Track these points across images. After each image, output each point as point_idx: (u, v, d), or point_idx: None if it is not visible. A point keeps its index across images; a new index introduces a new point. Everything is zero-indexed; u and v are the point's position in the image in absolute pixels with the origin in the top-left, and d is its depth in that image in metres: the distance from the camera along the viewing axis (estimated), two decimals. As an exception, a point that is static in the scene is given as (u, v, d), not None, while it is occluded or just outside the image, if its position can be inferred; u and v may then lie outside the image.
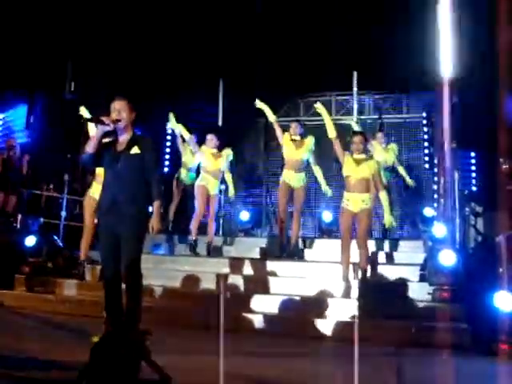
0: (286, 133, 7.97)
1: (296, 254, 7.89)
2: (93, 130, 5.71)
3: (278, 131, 7.95)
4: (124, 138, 4.62)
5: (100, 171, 7.47)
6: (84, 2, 9.42)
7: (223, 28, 9.86)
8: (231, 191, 8.53)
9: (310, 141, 7.88)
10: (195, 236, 8.03)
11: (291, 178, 7.80)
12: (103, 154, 4.58)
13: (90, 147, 4.51)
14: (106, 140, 4.61)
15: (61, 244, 8.61)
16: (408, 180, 9.07)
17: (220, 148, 8.27)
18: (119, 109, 4.56)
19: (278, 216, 7.98)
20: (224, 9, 9.67)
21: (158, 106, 10.76)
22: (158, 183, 4.61)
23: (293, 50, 10.22)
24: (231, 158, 8.38)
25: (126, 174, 4.52)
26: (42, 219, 9.05)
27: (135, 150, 4.55)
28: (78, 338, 4.54)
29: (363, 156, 6.73)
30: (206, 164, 8.18)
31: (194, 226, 8.01)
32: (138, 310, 4.51)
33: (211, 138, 8.24)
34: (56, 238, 8.65)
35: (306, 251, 8.17)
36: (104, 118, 4.47)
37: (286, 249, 7.85)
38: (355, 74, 10.83)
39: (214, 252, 8.26)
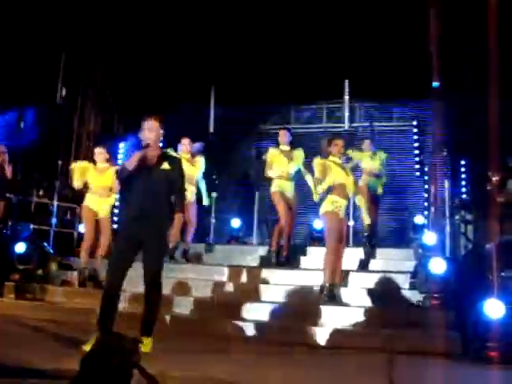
0: (271, 148, 8.00)
1: (289, 262, 7.90)
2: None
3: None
4: (153, 153, 4.94)
5: (92, 183, 7.51)
6: (76, 8, 9.42)
7: (215, 35, 9.89)
8: (205, 200, 8.49)
9: (300, 154, 7.91)
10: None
11: (284, 186, 7.82)
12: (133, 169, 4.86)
13: (130, 165, 4.79)
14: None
15: (51, 251, 8.56)
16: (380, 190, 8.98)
17: (214, 155, 8.24)
18: (151, 128, 4.91)
19: (283, 221, 7.79)
20: (217, 17, 9.70)
21: (150, 113, 10.77)
22: (182, 198, 5.05)
23: (284, 58, 10.25)
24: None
25: (156, 187, 4.85)
26: (32, 226, 8.99)
27: (165, 165, 4.92)
28: (68, 346, 4.52)
29: (341, 161, 6.75)
30: None
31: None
32: (154, 322, 4.84)
33: (186, 143, 8.07)
34: (46, 244, 8.60)
35: (298, 259, 8.18)
36: (137, 157, 4.79)
37: (280, 257, 7.87)
38: (346, 82, 10.89)
39: (205, 259, 8.28)
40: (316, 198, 7.10)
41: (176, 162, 5.07)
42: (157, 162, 4.93)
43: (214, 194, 8.79)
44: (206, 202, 8.54)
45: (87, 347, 4.36)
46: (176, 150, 7.92)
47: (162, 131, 5.01)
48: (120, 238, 5.03)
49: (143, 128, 4.94)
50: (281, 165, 7.86)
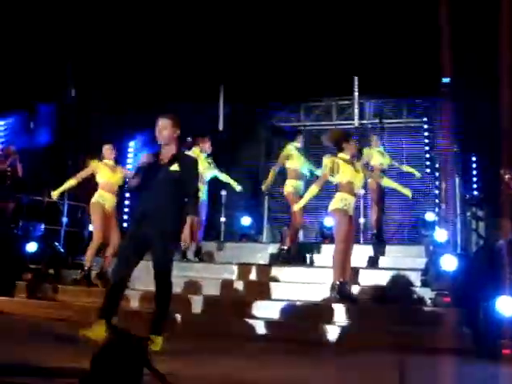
0: (290, 145, 8.04)
1: (299, 260, 7.93)
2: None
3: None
4: (167, 152, 4.92)
5: (102, 178, 7.52)
6: (84, 9, 9.45)
7: (224, 33, 9.88)
8: (236, 187, 8.64)
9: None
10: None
11: (297, 186, 7.90)
12: (144, 167, 4.91)
13: (134, 183, 4.91)
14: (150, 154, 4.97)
15: (62, 250, 8.60)
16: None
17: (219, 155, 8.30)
18: (162, 127, 4.90)
19: (297, 222, 7.90)
20: (225, 14, 9.69)
21: (159, 112, 10.78)
22: (194, 200, 4.94)
23: (293, 55, 10.23)
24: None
25: (164, 187, 4.81)
26: (43, 225, 9.04)
27: (175, 166, 4.85)
28: (79, 345, 4.53)
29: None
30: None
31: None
32: (164, 321, 4.84)
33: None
34: (57, 244, 8.64)
35: (308, 256, 8.18)
36: (149, 158, 4.88)
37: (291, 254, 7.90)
38: (356, 78, 10.85)
39: (217, 258, 8.29)
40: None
41: (188, 163, 4.98)
42: (168, 162, 4.88)
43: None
44: (238, 188, 8.66)
45: (85, 332, 4.58)
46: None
47: (177, 130, 4.96)
48: (126, 237, 5.09)
49: (157, 127, 4.93)
50: (298, 163, 8.02)
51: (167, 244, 4.81)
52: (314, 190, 6.64)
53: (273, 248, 8.53)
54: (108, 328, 4.58)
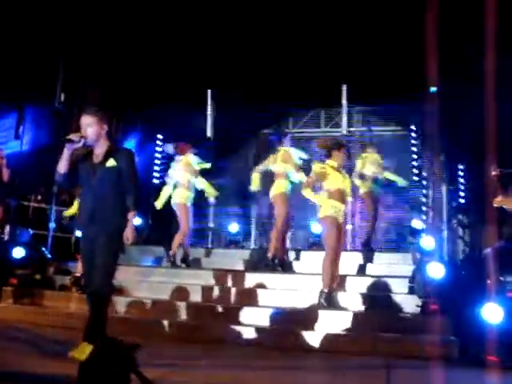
0: (278, 149, 8.03)
1: (285, 266, 7.92)
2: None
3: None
4: (99, 150, 4.68)
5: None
6: (75, 12, 9.43)
7: (211, 39, 9.90)
8: (212, 192, 8.52)
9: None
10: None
11: (286, 187, 7.88)
12: (80, 168, 4.66)
13: (61, 167, 4.58)
14: (80, 152, 4.67)
15: (49, 255, 8.56)
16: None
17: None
18: (87, 124, 4.60)
19: (285, 225, 7.92)
20: (213, 19, 9.70)
21: (147, 118, 10.79)
22: (134, 195, 4.63)
23: (282, 62, 10.26)
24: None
25: (102, 186, 4.59)
26: (30, 230, 8.99)
27: (111, 162, 4.61)
28: (66, 351, 4.50)
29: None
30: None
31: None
32: (99, 323, 4.50)
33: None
34: (44, 249, 8.60)
35: (296, 263, 8.19)
36: (72, 136, 4.52)
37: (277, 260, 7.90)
38: (344, 86, 10.90)
39: (204, 264, 8.29)
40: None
41: (123, 155, 4.70)
42: (102, 159, 4.64)
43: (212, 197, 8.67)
44: (214, 194, 8.49)
45: (73, 353, 4.22)
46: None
47: (104, 125, 4.68)
48: (81, 246, 4.84)
49: (81, 124, 4.63)
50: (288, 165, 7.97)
51: (109, 244, 4.53)
52: (309, 192, 6.60)
53: (259, 255, 8.53)
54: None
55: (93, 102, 10.49)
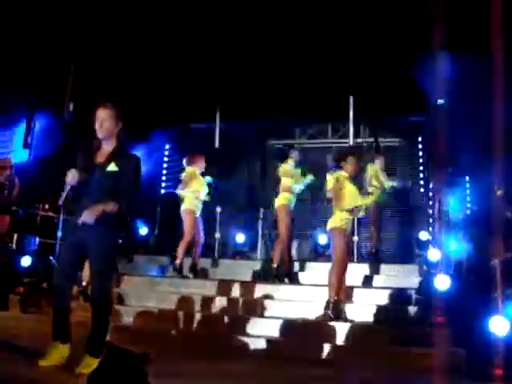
0: (285, 163, 8.08)
1: (291, 277, 7.94)
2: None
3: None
4: (106, 148, 4.47)
5: None
6: (85, 22, 9.49)
7: (221, 51, 9.95)
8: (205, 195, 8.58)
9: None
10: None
11: (290, 199, 7.95)
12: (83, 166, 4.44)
13: (60, 200, 4.41)
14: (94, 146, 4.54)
15: (56, 264, 8.57)
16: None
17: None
18: (103, 118, 4.40)
19: (289, 236, 8.02)
20: (221, 32, 9.76)
21: (157, 129, 10.84)
22: (129, 200, 4.37)
23: (288, 74, 10.30)
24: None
25: (98, 190, 4.32)
26: (38, 239, 9.02)
27: (112, 167, 4.35)
28: (71, 360, 4.49)
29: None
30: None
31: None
32: (103, 330, 4.42)
33: None
34: (52, 258, 8.62)
35: (302, 274, 8.20)
36: (69, 181, 4.28)
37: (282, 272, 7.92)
38: (351, 98, 10.93)
39: (211, 274, 8.32)
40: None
41: (128, 161, 4.41)
42: (104, 161, 4.39)
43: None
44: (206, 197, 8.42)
45: (43, 362, 4.28)
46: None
47: (119, 123, 4.46)
48: (65, 244, 4.75)
49: (97, 117, 4.41)
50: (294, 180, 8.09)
51: (103, 251, 4.31)
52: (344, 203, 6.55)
53: (266, 265, 8.54)
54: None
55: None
